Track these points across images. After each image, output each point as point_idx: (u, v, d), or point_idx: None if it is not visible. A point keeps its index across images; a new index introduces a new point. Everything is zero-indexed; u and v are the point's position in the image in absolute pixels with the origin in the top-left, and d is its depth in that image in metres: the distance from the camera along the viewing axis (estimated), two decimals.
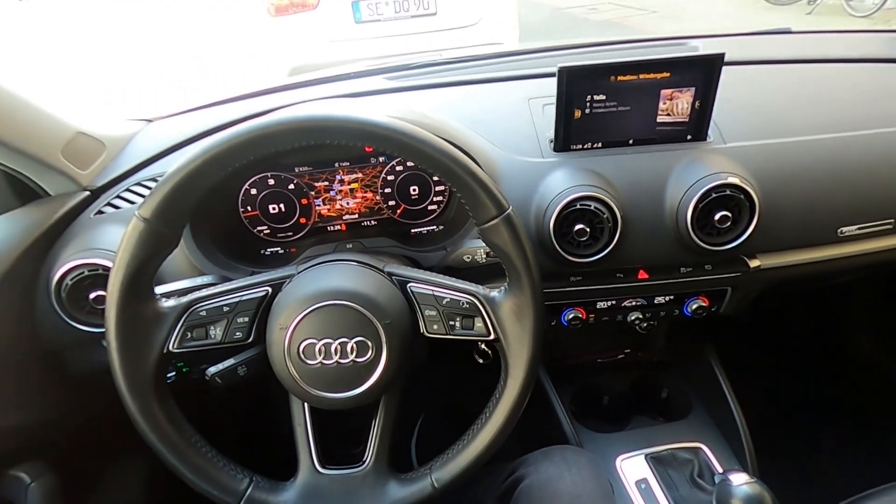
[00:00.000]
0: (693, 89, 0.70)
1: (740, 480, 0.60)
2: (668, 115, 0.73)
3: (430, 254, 0.75)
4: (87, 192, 0.73)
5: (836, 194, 0.73)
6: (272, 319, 0.54)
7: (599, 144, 0.75)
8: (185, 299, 0.54)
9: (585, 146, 0.75)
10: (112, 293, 0.50)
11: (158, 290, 0.61)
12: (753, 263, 0.74)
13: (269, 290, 0.56)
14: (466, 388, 0.83)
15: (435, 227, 0.82)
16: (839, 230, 0.74)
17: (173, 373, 0.74)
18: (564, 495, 0.64)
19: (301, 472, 0.57)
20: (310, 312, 0.52)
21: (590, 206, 0.68)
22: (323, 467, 0.57)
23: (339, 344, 0.52)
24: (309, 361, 0.52)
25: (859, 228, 0.74)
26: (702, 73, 0.69)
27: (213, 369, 0.61)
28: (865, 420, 1.25)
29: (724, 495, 0.60)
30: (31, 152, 0.65)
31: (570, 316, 0.79)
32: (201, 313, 0.53)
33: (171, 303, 0.54)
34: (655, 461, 0.81)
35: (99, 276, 0.65)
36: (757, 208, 0.68)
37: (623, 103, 0.72)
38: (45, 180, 0.71)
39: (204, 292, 0.54)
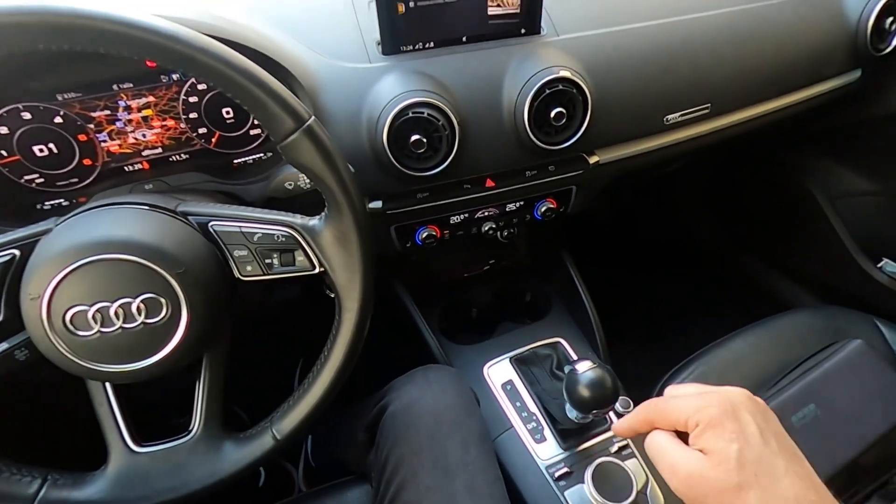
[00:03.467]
0: None
1: (585, 367, 0.64)
2: (499, 5, 0.67)
3: (252, 186, 0.66)
4: None
5: (662, 82, 0.74)
6: (22, 289, 0.42)
7: (431, 44, 0.68)
8: None
9: (416, 47, 0.68)
10: None
11: None
12: (592, 160, 0.75)
13: (17, 252, 0.44)
14: None
15: (262, 154, 0.71)
16: (665, 118, 0.76)
17: None
18: (426, 414, 0.64)
19: (112, 458, 0.49)
20: (68, 274, 0.41)
21: (423, 113, 0.62)
22: (140, 445, 0.49)
23: (121, 306, 0.42)
24: (82, 333, 0.42)
25: (681, 115, 0.76)
26: None
27: None
28: (699, 293, 1.44)
29: (571, 383, 0.64)
30: None
31: (424, 235, 0.76)
32: None
33: None
34: (519, 362, 0.84)
35: None
36: (589, 102, 0.67)
37: None
38: None
39: None
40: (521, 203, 0.79)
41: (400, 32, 0.66)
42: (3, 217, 0.60)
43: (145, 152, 0.66)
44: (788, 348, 0.83)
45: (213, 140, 0.68)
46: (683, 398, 0.40)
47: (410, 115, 0.62)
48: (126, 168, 0.67)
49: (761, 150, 1.25)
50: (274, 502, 0.73)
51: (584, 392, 0.62)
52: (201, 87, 0.65)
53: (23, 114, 0.59)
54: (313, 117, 0.45)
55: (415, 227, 0.75)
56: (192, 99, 0.65)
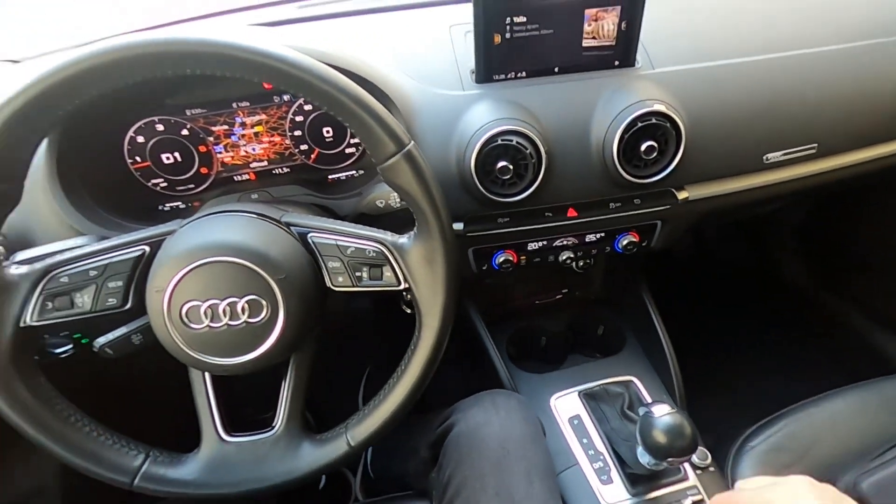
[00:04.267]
0: (619, 8, 0.65)
1: (662, 412, 0.61)
2: (594, 38, 0.68)
3: (346, 201, 0.70)
4: None
5: (762, 119, 0.71)
6: (149, 281, 0.48)
7: (524, 74, 0.70)
8: (39, 265, 0.47)
9: (509, 76, 0.70)
10: None
11: (21, 255, 0.54)
12: (682, 195, 0.73)
13: (147, 249, 0.49)
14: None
15: (354, 172, 0.75)
16: (765, 157, 0.72)
17: (69, 346, 0.67)
18: (492, 440, 0.63)
19: (204, 443, 0.53)
20: (189, 271, 0.46)
21: (511, 140, 0.63)
22: (229, 435, 0.53)
23: (228, 305, 0.47)
24: (194, 326, 0.47)
25: (784, 154, 0.72)
26: None
27: (101, 340, 0.55)
28: (788, 344, 1.32)
29: (646, 427, 0.61)
30: None
31: (501, 259, 0.76)
32: (62, 279, 0.47)
33: (22, 270, 0.46)
34: (588, 397, 0.82)
35: None
36: (683, 137, 0.66)
37: (546, 26, 0.66)
38: None
39: (65, 255, 0.48)
40: (602, 235, 0.77)
41: (494, 62, 0.68)
42: (129, 215, 0.67)
43: (253, 164, 0.73)
44: None
45: (313, 156, 0.74)
46: (752, 491, 0.40)
47: (499, 142, 0.63)
48: (235, 178, 0.73)
49: (870, 193, 1.15)
50: None
51: (661, 438, 0.59)
52: (307, 107, 0.71)
53: (157, 126, 0.67)
54: (413, 142, 0.47)
55: (493, 251, 0.76)
56: (299, 118, 0.71)
